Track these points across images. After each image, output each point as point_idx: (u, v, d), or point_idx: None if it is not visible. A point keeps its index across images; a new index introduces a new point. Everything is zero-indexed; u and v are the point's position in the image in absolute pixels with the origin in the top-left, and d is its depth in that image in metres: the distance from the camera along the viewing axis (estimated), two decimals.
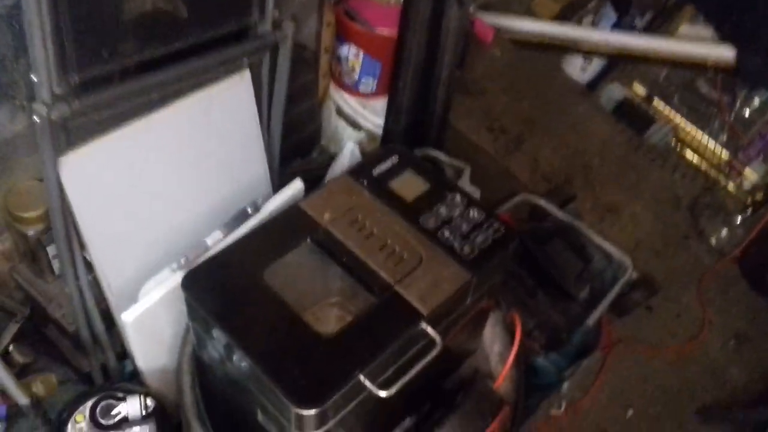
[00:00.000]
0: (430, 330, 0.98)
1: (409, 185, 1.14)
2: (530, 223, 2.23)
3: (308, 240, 1.04)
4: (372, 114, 2.21)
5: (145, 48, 1.19)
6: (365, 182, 1.13)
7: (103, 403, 1.18)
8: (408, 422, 1.32)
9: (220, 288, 0.98)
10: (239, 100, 1.47)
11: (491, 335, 1.38)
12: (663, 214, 2.71)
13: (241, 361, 0.91)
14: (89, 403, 1.18)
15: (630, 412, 2.11)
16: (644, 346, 2.28)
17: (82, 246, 1.24)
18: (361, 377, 0.89)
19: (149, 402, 1.20)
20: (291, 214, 1.08)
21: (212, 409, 1.14)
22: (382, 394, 0.91)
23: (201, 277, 0.99)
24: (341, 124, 2.27)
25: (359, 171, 1.15)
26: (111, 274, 1.26)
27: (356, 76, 2.15)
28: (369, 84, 2.18)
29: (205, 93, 1.35)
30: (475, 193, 2.20)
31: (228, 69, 1.46)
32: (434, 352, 0.99)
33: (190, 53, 1.30)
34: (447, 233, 1.07)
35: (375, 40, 2.04)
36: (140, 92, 1.24)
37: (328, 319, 1.00)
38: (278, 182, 1.74)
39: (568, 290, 1.87)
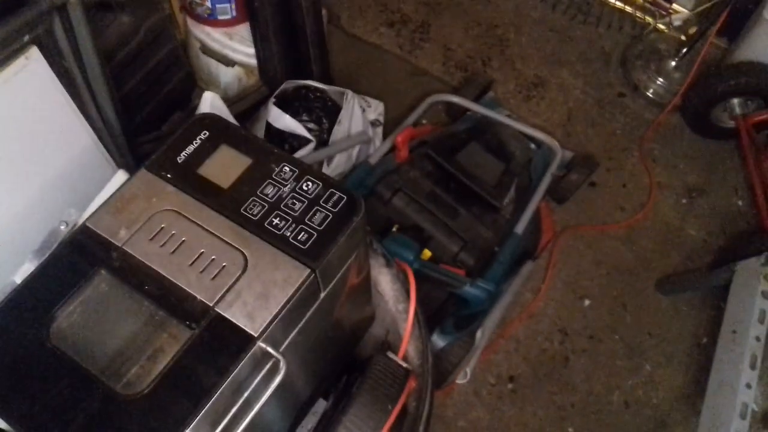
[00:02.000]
0: (270, 349, 0.79)
1: (226, 166, 0.90)
2: (443, 130, 1.99)
3: (102, 270, 0.82)
4: (240, 44, 1.91)
5: None
6: (169, 175, 0.89)
7: None
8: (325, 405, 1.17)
9: None
10: (32, 87, 1.19)
11: (393, 294, 1.20)
12: (593, 76, 2.47)
13: None
14: None
15: (587, 302, 1.98)
16: (592, 228, 2.12)
17: None
18: None
19: None
20: (79, 239, 0.85)
21: None
22: None
23: None
24: (212, 63, 1.97)
25: (160, 162, 0.91)
26: None
27: (209, 4, 1.83)
28: (226, 10, 1.86)
29: None
30: (377, 115, 1.95)
31: (6, 53, 1.17)
32: (280, 376, 0.80)
33: None
34: (276, 220, 0.85)
35: None
36: None
37: (139, 374, 0.80)
38: (136, 157, 1.50)
39: (490, 200, 1.67)
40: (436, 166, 1.71)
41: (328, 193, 0.88)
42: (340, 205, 0.88)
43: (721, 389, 1.57)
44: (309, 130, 1.63)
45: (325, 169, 1.64)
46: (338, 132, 1.62)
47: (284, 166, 0.91)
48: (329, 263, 0.85)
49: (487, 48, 2.48)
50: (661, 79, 2.43)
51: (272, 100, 1.65)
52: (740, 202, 2.25)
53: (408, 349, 1.14)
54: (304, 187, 0.89)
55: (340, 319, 1.01)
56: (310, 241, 0.85)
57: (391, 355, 1.09)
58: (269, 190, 0.89)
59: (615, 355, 1.89)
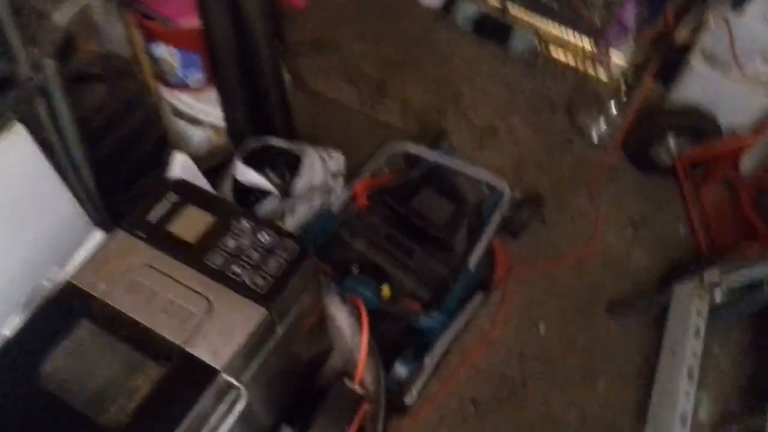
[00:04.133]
0: (232, 380, 0.90)
1: (192, 223, 1.02)
2: (400, 177, 2.13)
3: (83, 320, 0.93)
4: (209, 106, 2.05)
5: None
6: (142, 234, 1.01)
7: None
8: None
9: None
10: (17, 158, 1.31)
11: (350, 328, 1.31)
12: (541, 123, 2.64)
13: None
14: None
15: (542, 328, 2.10)
16: (544, 260, 2.25)
17: None
18: None
19: None
20: (63, 293, 0.96)
21: None
22: None
23: None
24: (182, 124, 2.11)
25: (134, 222, 1.03)
26: None
27: (178, 73, 1.97)
28: (196, 77, 2.00)
29: None
30: (339, 166, 2.08)
31: None
32: (242, 403, 0.90)
33: None
34: (236, 268, 0.97)
35: (181, 34, 1.85)
36: None
37: (120, 408, 0.90)
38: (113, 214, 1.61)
39: (442, 238, 1.80)
40: (393, 211, 1.84)
41: (281, 242, 1.01)
42: (292, 252, 1.00)
43: (663, 400, 1.68)
44: (273, 183, 1.76)
45: (289, 220, 1.76)
46: (299, 185, 1.75)
47: (243, 221, 1.03)
48: (283, 303, 0.97)
49: (442, 101, 2.64)
50: (603, 122, 2.61)
51: (238, 157, 1.78)
52: (682, 230, 2.40)
53: (364, 376, 1.25)
54: (261, 239, 1.01)
55: (298, 351, 1.12)
56: (266, 285, 0.96)
57: (347, 382, 1.20)
58: (230, 243, 1.01)
59: (570, 376, 2.00)
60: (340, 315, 1.29)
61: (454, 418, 1.85)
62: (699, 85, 2.36)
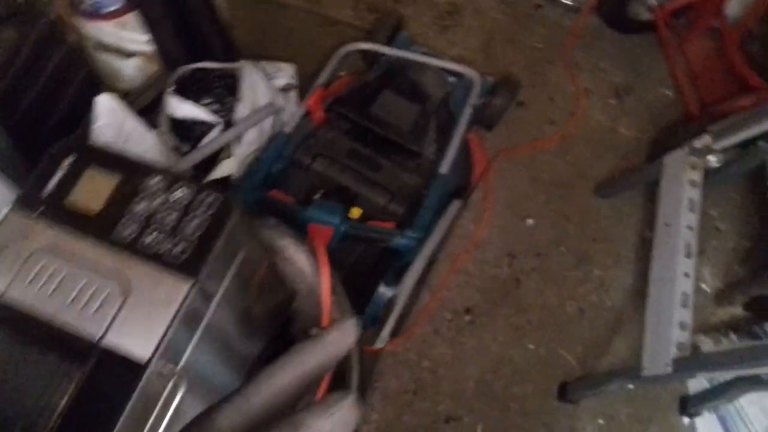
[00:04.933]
0: (164, 370, 0.78)
1: (94, 189, 0.86)
2: (355, 82, 1.93)
3: None
4: (134, 33, 1.82)
5: None
6: (37, 212, 0.85)
7: None
8: None
9: None
10: None
11: (311, 268, 1.18)
12: None
13: None
14: None
15: (530, 222, 1.98)
16: (525, 147, 2.10)
17: None
18: None
19: None
20: None
21: None
22: None
23: None
24: (109, 58, 1.88)
25: (26, 200, 0.87)
26: None
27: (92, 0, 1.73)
28: (111, 1, 1.76)
29: None
30: (289, 78, 1.88)
31: None
32: (181, 391, 0.79)
33: None
34: (150, 238, 0.82)
35: None
36: None
37: (43, 419, 0.79)
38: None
39: (407, 145, 1.63)
40: (352, 122, 1.66)
41: (200, 197, 0.85)
42: (214, 206, 0.84)
43: (661, 282, 1.59)
44: (215, 112, 1.57)
45: (238, 149, 1.59)
46: (241, 109, 1.56)
47: (153, 177, 0.87)
48: (212, 268, 0.83)
49: None
50: None
51: (169, 89, 1.58)
52: (669, 92, 2.22)
53: (332, 312, 1.13)
54: (176, 196, 0.86)
55: (247, 311, 0.99)
56: (188, 251, 0.82)
57: (313, 331, 1.09)
58: (140, 207, 0.85)
59: (564, 267, 1.91)
60: (300, 257, 1.15)
61: (449, 331, 1.78)
62: None
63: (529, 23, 2.31)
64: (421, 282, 1.77)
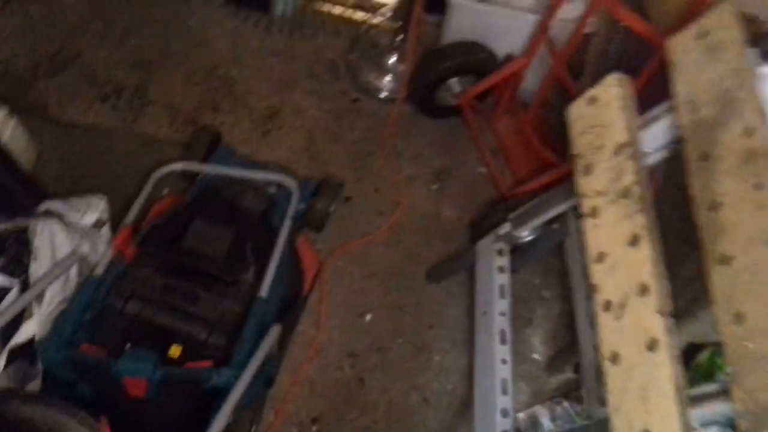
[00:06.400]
0: None
1: None
2: (170, 207, 1.93)
3: None
4: None
5: None
6: None
7: None
8: None
9: None
10: None
11: None
12: (325, 90, 2.49)
13: None
14: None
15: (368, 317, 2.04)
16: (354, 242, 2.17)
17: None
18: None
19: None
20: None
21: None
22: None
23: None
24: None
25: None
26: None
27: None
28: None
29: None
30: (100, 213, 1.84)
31: None
32: None
33: None
34: None
35: None
36: None
37: None
38: None
39: (221, 276, 1.65)
40: (162, 259, 1.66)
41: None
42: None
43: (483, 372, 1.68)
44: (9, 274, 1.51)
45: (39, 308, 1.53)
46: (37, 268, 1.51)
47: None
48: None
49: (214, 92, 2.42)
50: (387, 75, 2.50)
51: None
52: (485, 170, 2.39)
53: None
54: None
55: None
56: None
57: None
58: None
59: (404, 358, 1.97)
60: None
61: None
62: (465, 17, 2.29)
63: (348, 118, 2.42)
64: (259, 404, 1.77)
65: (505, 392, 1.62)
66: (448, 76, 2.32)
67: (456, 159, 2.39)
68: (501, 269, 1.80)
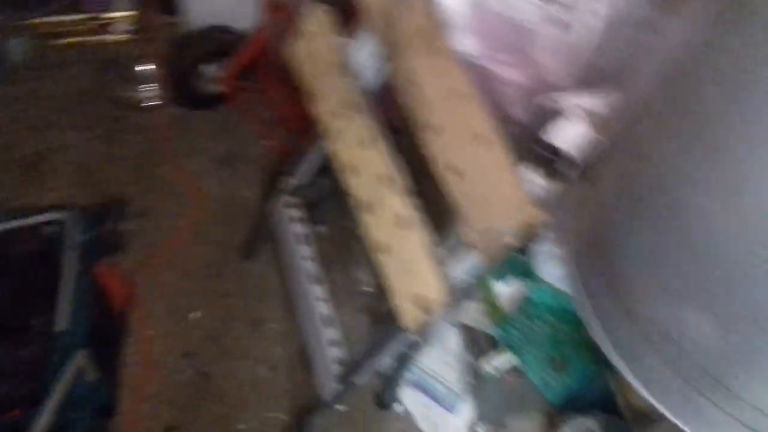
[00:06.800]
0: None
1: None
2: None
3: None
4: None
5: None
6: None
7: None
8: None
9: None
10: None
11: None
12: (87, 118, 2.43)
13: None
14: None
15: (196, 314, 2.02)
16: (160, 251, 2.14)
17: None
18: None
19: None
20: None
21: None
22: None
23: None
24: None
25: None
26: None
27: None
28: None
29: None
30: None
31: None
32: None
33: None
34: None
35: None
36: None
37: None
38: None
39: (10, 325, 1.59)
40: None
41: None
42: None
43: (306, 314, 1.75)
44: None
45: None
46: None
47: None
48: None
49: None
50: (142, 84, 2.48)
51: None
52: (268, 143, 2.44)
53: None
54: None
55: None
56: None
57: None
58: None
59: (241, 338, 1.98)
60: None
61: None
62: (200, 3, 2.33)
63: (118, 138, 2.39)
64: None
65: (329, 325, 1.69)
66: (197, 64, 2.35)
67: (240, 141, 2.44)
68: (293, 219, 1.87)
